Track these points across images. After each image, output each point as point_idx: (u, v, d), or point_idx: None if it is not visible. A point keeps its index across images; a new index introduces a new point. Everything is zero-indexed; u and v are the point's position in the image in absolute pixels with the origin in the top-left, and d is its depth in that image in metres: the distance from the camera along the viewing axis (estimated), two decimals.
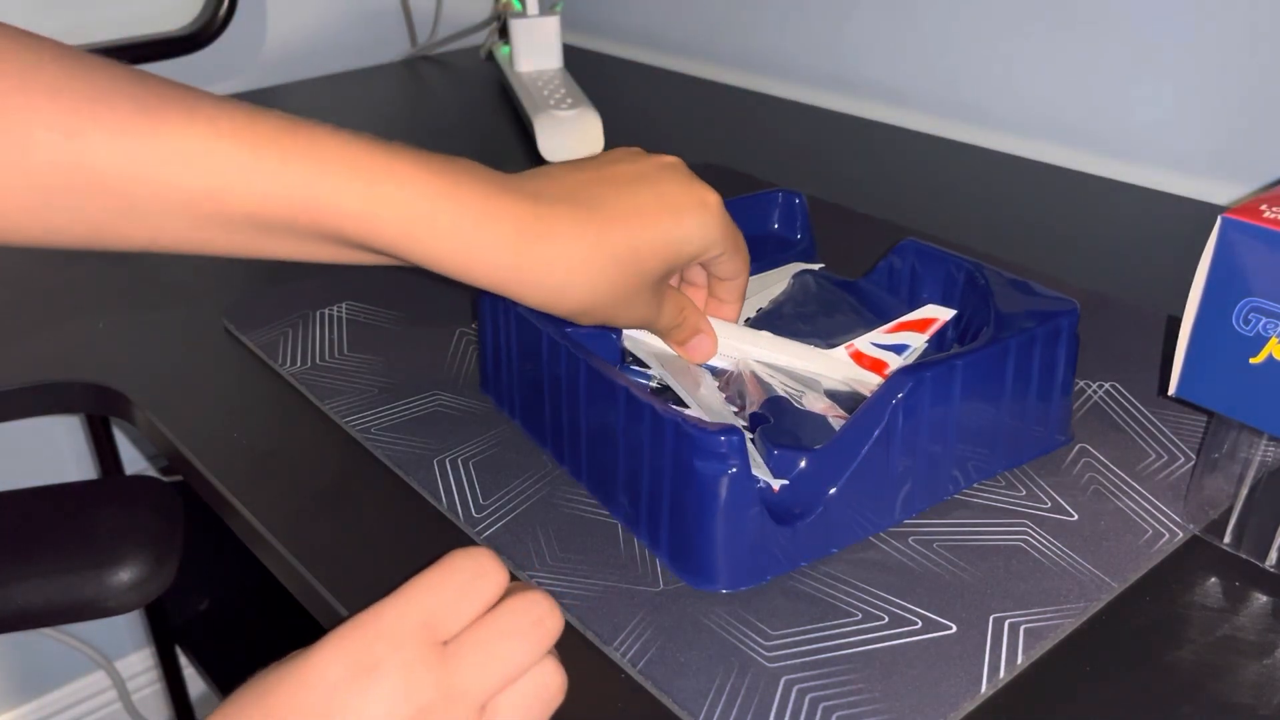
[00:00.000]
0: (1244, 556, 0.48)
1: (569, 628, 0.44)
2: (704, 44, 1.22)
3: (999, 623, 0.44)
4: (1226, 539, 0.48)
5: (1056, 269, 0.73)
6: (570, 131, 0.92)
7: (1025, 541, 0.48)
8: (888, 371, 0.55)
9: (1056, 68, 0.91)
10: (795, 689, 0.41)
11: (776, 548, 0.45)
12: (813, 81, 1.11)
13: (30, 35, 0.40)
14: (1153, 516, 0.50)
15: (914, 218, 0.82)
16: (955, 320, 0.58)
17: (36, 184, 0.39)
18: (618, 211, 0.47)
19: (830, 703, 0.40)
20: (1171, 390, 0.46)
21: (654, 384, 0.54)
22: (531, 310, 0.53)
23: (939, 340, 0.58)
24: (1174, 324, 0.46)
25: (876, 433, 0.46)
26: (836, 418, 0.49)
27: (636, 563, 0.47)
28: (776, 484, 0.46)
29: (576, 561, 0.48)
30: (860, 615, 0.44)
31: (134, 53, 1.07)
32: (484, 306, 0.56)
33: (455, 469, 0.54)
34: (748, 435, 0.49)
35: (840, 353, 0.55)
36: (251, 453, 0.57)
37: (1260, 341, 0.42)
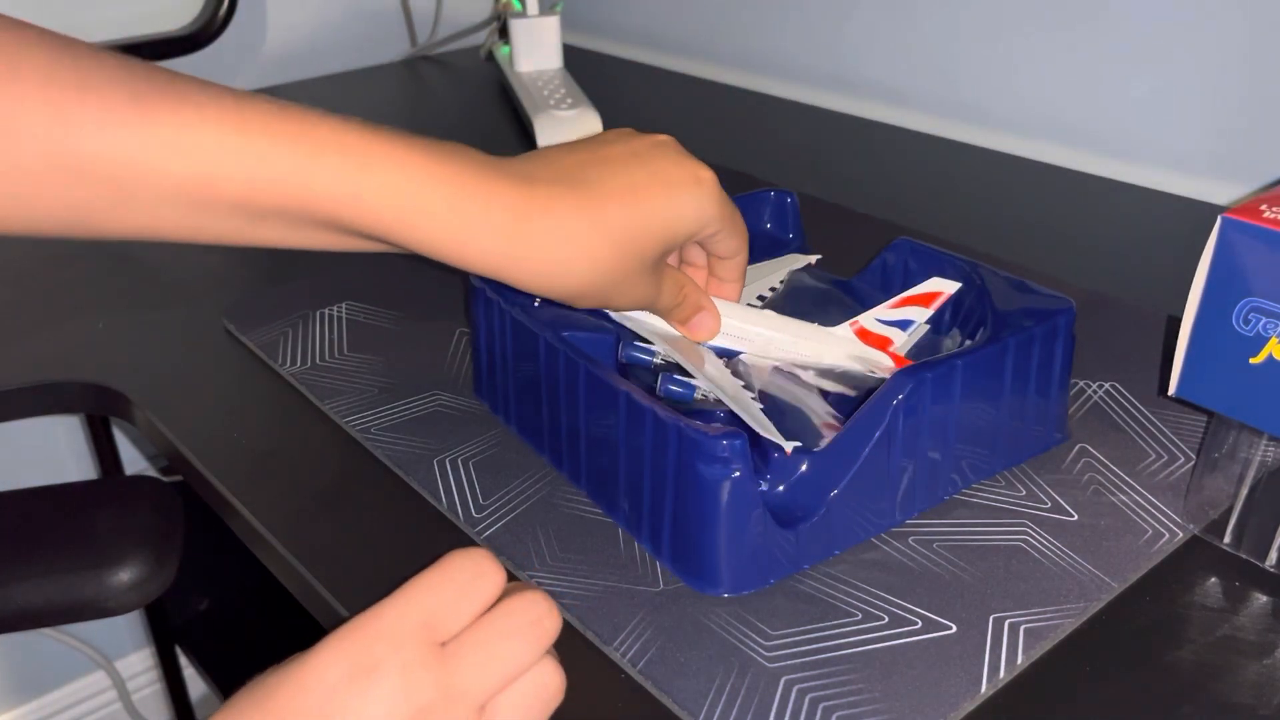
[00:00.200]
0: (1244, 556, 0.48)
1: (569, 628, 0.44)
2: (704, 44, 1.22)
3: (999, 623, 0.44)
4: (1226, 539, 0.48)
5: (1056, 269, 0.73)
6: (570, 131, 0.92)
7: (1025, 541, 0.48)
8: (892, 348, 0.55)
9: (1056, 68, 0.91)
10: (795, 689, 0.41)
11: (779, 551, 0.45)
12: (813, 81, 1.11)
13: (17, 22, 0.40)
14: (1153, 516, 0.50)
15: (913, 217, 0.82)
16: (951, 319, 0.58)
17: (25, 172, 0.39)
18: (612, 191, 0.46)
19: (830, 703, 0.40)
20: (1171, 390, 0.46)
21: (658, 360, 0.53)
22: (528, 315, 0.53)
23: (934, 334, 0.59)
24: (1174, 324, 0.46)
25: (877, 434, 0.46)
26: (828, 427, 0.49)
27: (636, 563, 0.47)
28: (789, 446, 0.46)
29: (576, 561, 0.48)
30: (860, 615, 0.44)
31: (134, 53, 1.06)
32: (477, 311, 0.56)
33: (455, 469, 0.54)
34: (757, 404, 0.49)
35: (844, 329, 0.55)
36: (251, 453, 0.57)
37: (1260, 341, 0.42)
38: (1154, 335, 0.64)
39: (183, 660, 1.15)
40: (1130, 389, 0.59)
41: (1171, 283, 0.54)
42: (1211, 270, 0.43)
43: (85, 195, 0.40)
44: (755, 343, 0.54)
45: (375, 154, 0.43)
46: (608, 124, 0.93)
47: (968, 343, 0.55)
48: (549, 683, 0.35)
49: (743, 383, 0.51)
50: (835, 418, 0.50)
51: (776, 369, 0.54)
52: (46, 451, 1.20)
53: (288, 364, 0.64)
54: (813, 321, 0.56)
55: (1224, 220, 0.43)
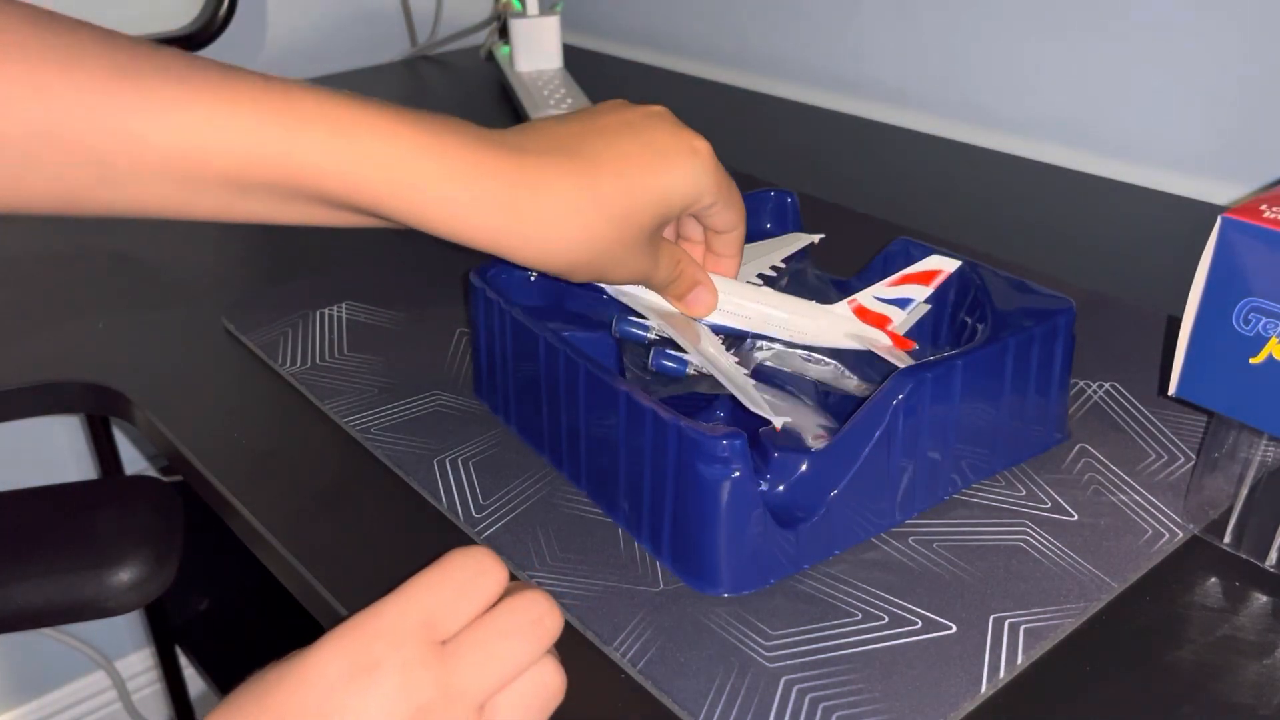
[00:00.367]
0: (1244, 556, 0.48)
1: (569, 628, 0.44)
2: (704, 44, 1.22)
3: (999, 623, 0.44)
4: (1226, 539, 0.48)
5: (1056, 269, 0.73)
6: None
7: (1025, 541, 0.48)
8: (890, 326, 0.54)
9: (1057, 68, 0.91)
10: (795, 689, 0.41)
11: (779, 551, 0.45)
12: (813, 81, 1.11)
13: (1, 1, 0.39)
14: (1153, 516, 0.50)
15: (914, 218, 0.82)
16: (951, 320, 0.58)
17: (10, 149, 0.39)
18: (607, 162, 0.45)
19: (830, 703, 0.40)
20: (1171, 390, 0.46)
21: (652, 335, 0.53)
22: (528, 314, 0.53)
23: (934, 340, 0.59)
24: (1174, 324, 0.46)
25: (877, 434, 0.46)
26: (818, 438, 0.49)
27: (636, 563, 0.47)
28: (779, 421, 0.46)
29: (576, 561, 0.48)
30: (860, 615, 0.44)
31: None
32: (477, 311, 0.56)
33: (455, 469, 0.54)
34: (750, 380, 0.49)
35: (842, 307, 0.54)
36: (251, 453, 0.57)
37: (1260, 341, 0.42)
38: (1154, 335, 0.64)
39: (183, 660, 1.15)
40: (1130, 389, 0.59)
41: (1171, 283, 0.54)
42: (1211, 270, 0.43)
43: (72, 173, 0.40)
44: (753, 319, 0.53)
45: (363, 126, 0.42)
46: None
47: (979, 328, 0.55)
48: (549, 682, 0.35)
49: (736, 359, 0.51)
50: (827, 429, 0.50)
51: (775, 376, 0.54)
52: (46, 451, 1.20)
53: (288, 364, 0.64)
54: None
55: (1224, 220, 0.43)
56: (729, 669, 0.42)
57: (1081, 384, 0.59)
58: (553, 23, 1.06)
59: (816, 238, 0.62)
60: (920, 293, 0.54)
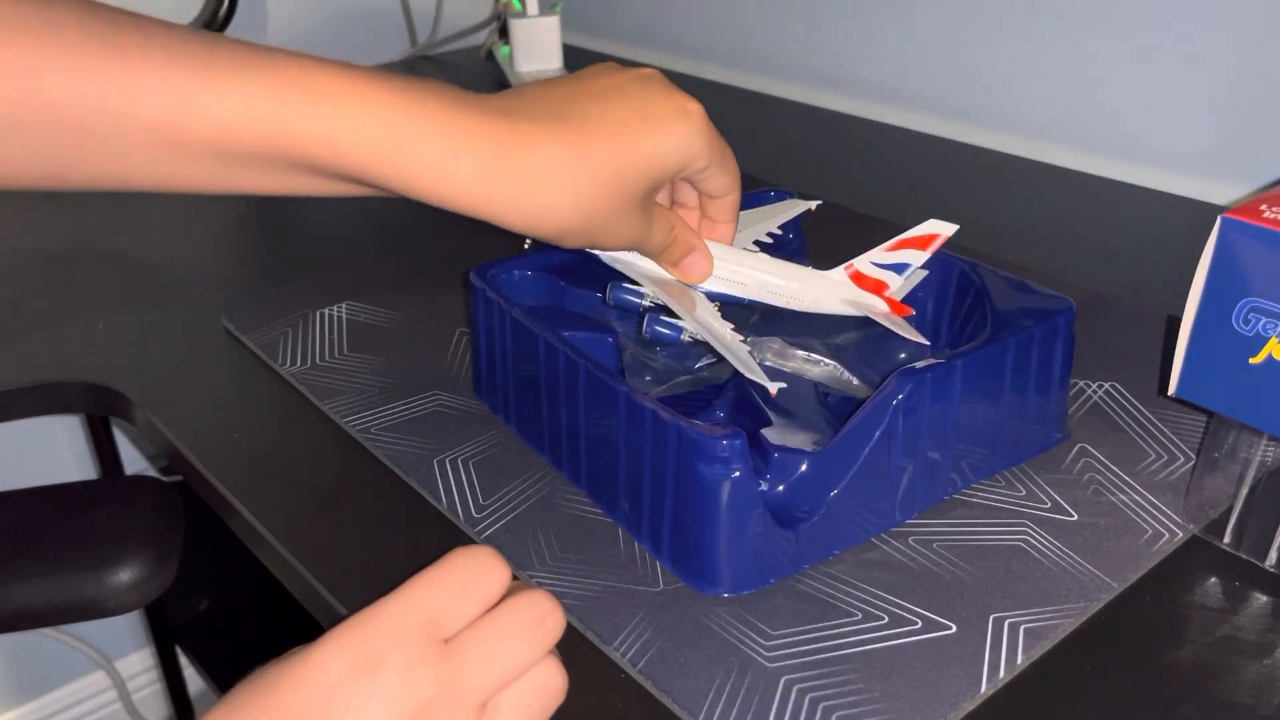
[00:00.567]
0: (1244, 556, 0.48)
1: (569, 627, 0.44)
2: (704, 44, 1.22)
3: (999, 623, 0.44)
4: (1226, 539, 0.48)
5: (1056, 269, 0.73)
6: None
7: (1025, 541, 0.48)
8: (887, 292, 0.54)
9: (1056, 68, 0.91)
10: (795, 689, 0.41)
11: (779, 551, 0.45)
12: (813, 81, 1.11)
13: None
14: (1153, 516, 0.50)
15: (914, 218, 0.81)
16: (951, 320, 0.58)
17: None
18: (598, 125, 0.45)
19: (830, 703, 0.40)
20: (1171, 390, 0.46)
21: (647, 301, 0.52)
22: (528, 314, 0.53)
23: (934, 340, 0.58)
24: (1174, 324, 0.46)
25: (877, 434, 0.46)
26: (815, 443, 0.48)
27: (636, 563, 0.47)
28: (774, 388, 0.46)
29: (576, 561, 0.48)
30: (860, 615, 0.44)
31: None
32: (477, 311, 0.56)
33: (455, 469, 0.54)
34: (745, 348, 0.49)
35: (839, 273, 0.54)
36: (251, 453, 0.57)
37: (1260, 341, 0.42)
38: (1154, 335, 0.64)
39: (183, 660, 1.15)
40: (1130, 389, 0.59)
41: (1171, 283, 0.54)
42: (1211, 270, 0.43)
43: (55, 144, 0.40)
44: (749, 286, 0.53)
45: (349, 92, 0.41)
46: None
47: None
48: (550, 682, 0.35)
49: (732, 326, 0.50)
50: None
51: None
52: (46, 451, 1.20)
53: (288, 364, 0.64)
54: (815, 323, 0.56)
55: (1224, 220, 0.43)
56: (729, 669, 0.42)
57: (1081, 384, 0.59)
58: (553, 23, 1.06)
59: (814, 204, 0.61)
60: (917, 257, 0.54)
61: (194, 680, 1.19)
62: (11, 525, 0.70)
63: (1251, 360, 0.43)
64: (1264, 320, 0.42)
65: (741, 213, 0.54)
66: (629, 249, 0.50)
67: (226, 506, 0.55)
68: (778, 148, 0.99)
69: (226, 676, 1.03)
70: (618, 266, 0.52)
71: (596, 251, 0.52)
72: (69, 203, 0.92)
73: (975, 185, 0.90)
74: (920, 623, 0.44)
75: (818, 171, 0.93)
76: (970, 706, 0.41)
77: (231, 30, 1.13)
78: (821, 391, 0.54)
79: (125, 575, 0.68)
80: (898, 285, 0.54)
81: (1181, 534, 0.49)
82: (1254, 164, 0.82)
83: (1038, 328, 0.50)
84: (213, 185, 0.43)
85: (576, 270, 0.58)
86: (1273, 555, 0.47)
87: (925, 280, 0.59)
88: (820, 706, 0.40)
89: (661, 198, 0.52)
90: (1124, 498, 0.51)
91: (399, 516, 0.52)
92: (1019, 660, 0.42)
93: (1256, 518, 0.47)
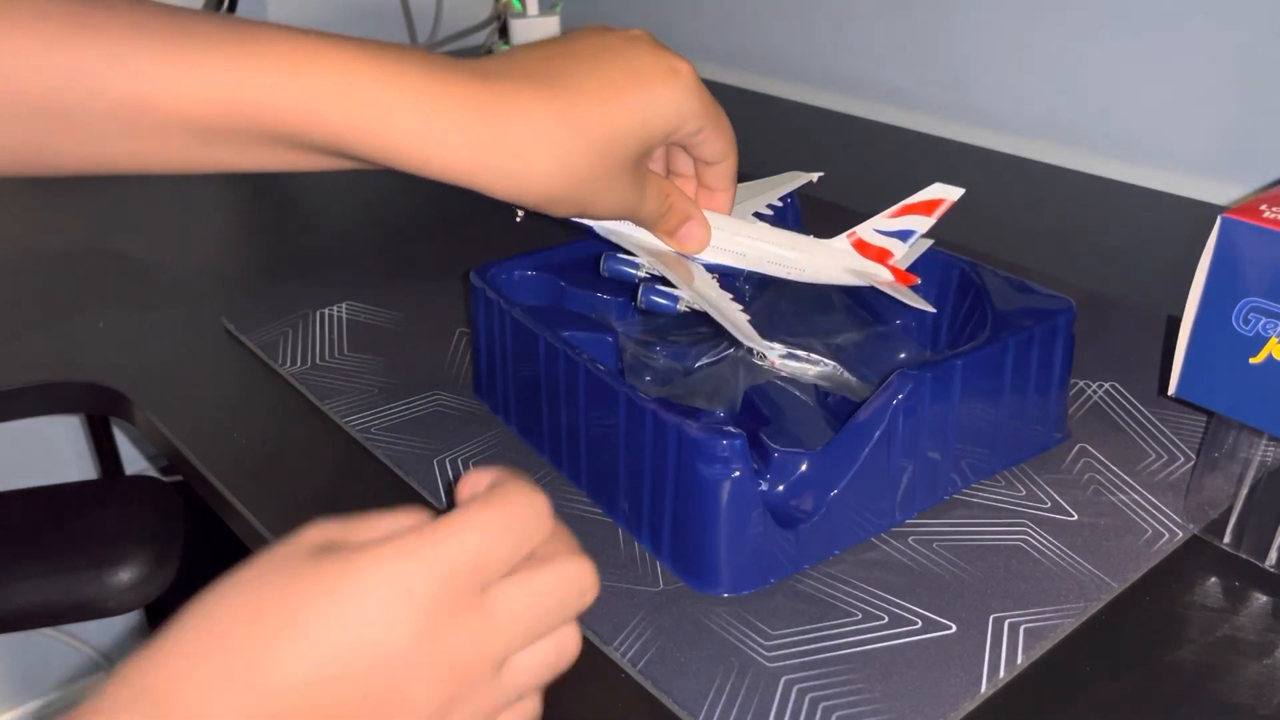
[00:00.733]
0: (1244, 556, 0.48)
1: None
2: (704, 44, 1.22)
3: (999, 623, 0.44)
4: (1226, 539, 0.48)
5: (1056, 269, 0.73)
6: None
7: (1025, 541, 0.48)
8: (892, 260, 0.53)
9: (1057, 68, 0.91)
10: (795, 689, 0.41)
11: (779, 551, 0.45)
12: (813, 81, 1.11)
13: None
14: (1153, 516, 0.50)
15: None
16: (951, 320, 0.58)
17: None
18: (584, 86, 0.43)
19: (830, 703, 0.40)
20: (1171, 390, 0.46)
21: (642, 273, 0.51)
22: (528, 314, 0.53)
23: (934, 340, 0.59)
24: (1174, 324, 0.46)
25: (877, 434, 0.46)
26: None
27: (636, 563, 0.47)
28: (774, 356, 0.45)
29: None
30: (860, 615, 0.44)
31: None
32: (477, 311, 0.56)
33: (455, 469, 0.54)
34: (744, 315, 0.48)
35: (841, 241, 0.53)
36: (251, 453, 0.57)
37: (1260, 341, 0.42)
38: (1154, 335, 0.64)
39: None
40: (1130, 389, 0.59)
41: (1171, 283, 0.54)
42: (1211, 270, 0.43)
43: (25, 126, 0.39)
44: (749, 256, 0.51)
45: (322, 61, 0.40)
46: None
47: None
48: (569, 647, 0.33)
49: (731, 296, 0.50)
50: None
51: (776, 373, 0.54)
52: (46, 451, 1.20)
53: (288, 364, 0.64)
54: (815, 324, 0.56)
55: (1224, 220, 0.43)
56: (729, 669, 0.42)
57: (1081, 384, 0.59)
58: (553, 23, 1.06)
59: (815, 176, 0.59)
60: (922, 224, 0.52)
61: None
62: (11, 525, 0.71)
63: (1251, 360, 0.43)
64: (1264, 320, 0.42)
65: (740, 185, 0.53)
66: (621, 217, 0.48)
67: (226, 506, 0.55)
68: (778, 147, 1.00)
69: None
70: (613, 239, 0.50)
71: (590, 223, 0.50)
72: (69, 202, 0.92)
73: (975, 185, 0.90)
74: (920, 623, 0.44)
75: (818, 171, 0.93)
76: (970, 706, 0.40)
77: None
78: (821, 391, 0.54)
79: (125, 575, 0.68)
80: (902, 253, 0.53)
81: (1181, 534, 0.49)
82: (1254, 164, 0.82)
83: (1038, 328, 0.50)
84: (190, 164, 0.42)
85: (576, 270, 0.58)
86: (1273, 555, 0.47)
87: (926, 280, 0.58)
88: (820, 706, 0.40)
89: (657, 167, 0.51)
90: (1124, 498, 0.51)
91: None
92: (1019, 660, 0.42)
93: (1256, 518, 0.47)
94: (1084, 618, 0.44)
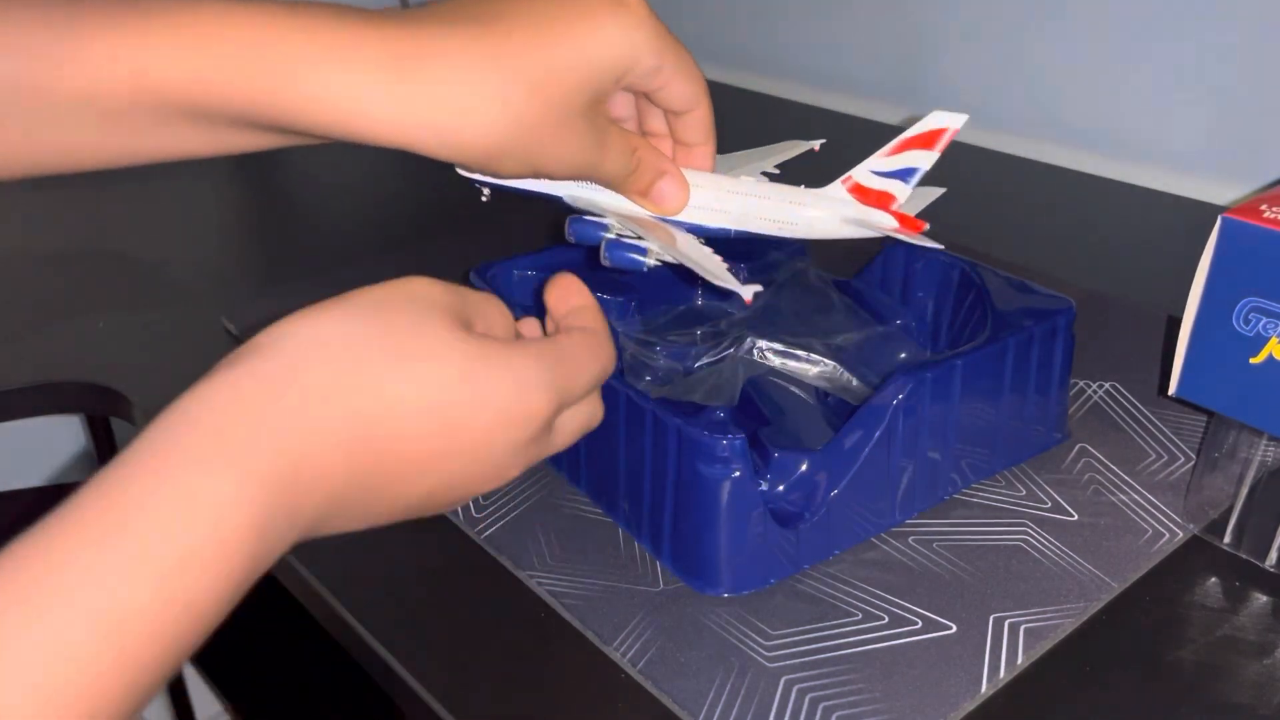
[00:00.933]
0: (1244, 556, 0.48)
1: (569, 627, 0.44)
2: (704, 44, 1.22)
3: (999, 623, 0.44)
4: (1226, 539, 0.48)
5: (1056, 269, 0.73)
6: None
7: (1025, 541, 0.48)
8: (895, 205, 0.48)
9: (1056, 68, 0.91)
10: (795, 689, 0.41)
11: (779, 551, 0.45)
12: (813, 82, 1.11)
13: None
14: (1153, 516, 0.50)
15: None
16: (951, 320, 0.58)
17: None
18: (518, 24, 0.39)
19: (830, 703, 0.40)
20: (1172, 390, 0.46)
21: (611, 234, 0.46)
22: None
23: (934, 340, 0.59)
24: (1174, 324, 0.46)
25: (877, 434, 0.46)
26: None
27: (636, 563, 0.47)
28: (749, 294, 0.42)
29: (576, 561, 0.48)
30: (860, 615, 0.44)
31: None
32: None
33: None
34: (716, 258, 0.45)
35: (836, 188, 0.48)
36: None
37: (1260, 341, 0.42)
38: (1154, 335, 0.64)
39: None
40: (1130, 389, 0.59)
41: (1171, 283, 0.54)
42: (1212, 270, 0.43)
43: None
44: (733, 214, 0.47)
45: (223, 23, 0.37)
46: None
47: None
48: (597, 415, 0.38)
49: (711, 250, 0.46)
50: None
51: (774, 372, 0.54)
52: (46, 451, 1.20)
53: None
54: (815, 324, 0.56)
55: (1224, 220, 0.43)
56: (729, 669, 0.42)
57: (1081, 384, 0.59)
58: None
59: (816, 144, 0.55)
60: (925, 159, 0.47)
61: (194, 681, 1.19)
62: (11, 525, 0.70)
63: (1252, 360, 0.43)
64: (1264, 320, 0.42)
65: (734, 153, 0.49)
66: (582, 175, 0.43)
67: None
68: None
69: (226, 677, 1.03)
70: (582, 206, 0.46)
71: (558, 192, 0.46)
72: (69, 202, 0.92)
73: (975, 185, 0.90)
74: (920, 623, 0.44)
75: (818, 172, 0.93)
76: (970, 706, 0.40)
77: None
78: (821, 391, 0.54)
79: None
80: (905, 195, 0.48)
81: (1181, 534, 0.49)
82: (1254, 164, 0.82)
83: (1038, 328, 0.50)
84: (105, 151, 0.39)
85: (576, 270, 0.58)
86: (1273, 555, 0.47)
87: (926, 280, 0.58)
88: (820, 706, 0.40)
89: (629, 125, 0.47)
90: (1124, 498, 0.51)
91: None
92: (1019, 660, 0.42)
93: (1256, 517, 0.47)
94: (1084, 618, 0.44)
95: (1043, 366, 0.51)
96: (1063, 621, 0.44)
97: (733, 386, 0.53)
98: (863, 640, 0.43)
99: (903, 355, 0.57)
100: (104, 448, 1.08)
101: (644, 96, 0.44)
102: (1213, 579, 0.47)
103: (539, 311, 0.44)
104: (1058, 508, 0.50)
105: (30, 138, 0.39)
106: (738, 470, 0.43)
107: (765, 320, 0.58)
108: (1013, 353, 0.50)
